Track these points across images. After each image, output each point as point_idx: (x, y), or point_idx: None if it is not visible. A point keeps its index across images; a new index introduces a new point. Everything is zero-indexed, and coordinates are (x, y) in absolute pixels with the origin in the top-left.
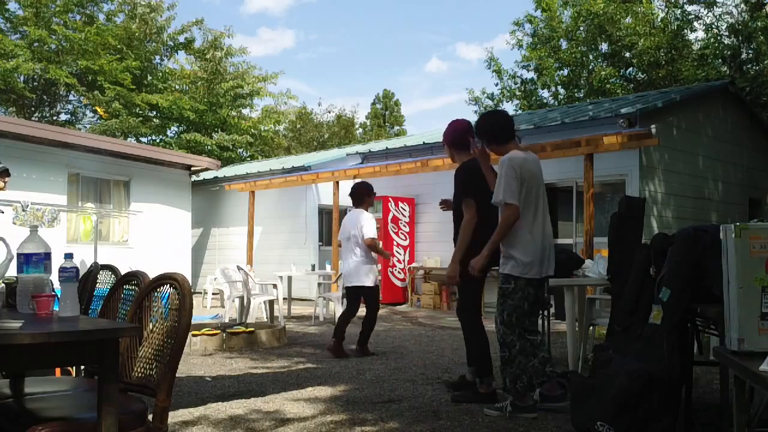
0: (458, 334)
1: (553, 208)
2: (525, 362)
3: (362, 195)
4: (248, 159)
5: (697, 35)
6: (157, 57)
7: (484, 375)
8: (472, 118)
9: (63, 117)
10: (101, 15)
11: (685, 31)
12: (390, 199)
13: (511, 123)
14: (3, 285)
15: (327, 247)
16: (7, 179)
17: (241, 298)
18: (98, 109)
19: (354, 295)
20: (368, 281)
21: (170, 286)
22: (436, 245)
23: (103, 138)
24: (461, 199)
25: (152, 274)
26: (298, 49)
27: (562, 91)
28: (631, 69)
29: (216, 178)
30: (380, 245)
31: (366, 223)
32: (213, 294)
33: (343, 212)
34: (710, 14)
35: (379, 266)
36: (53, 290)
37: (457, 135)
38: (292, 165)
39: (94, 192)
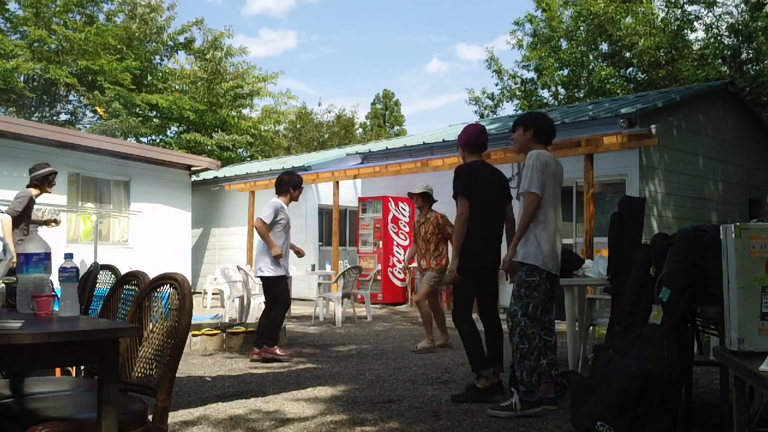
0: (458, 335)
1: None
2: (538, 358)
3: (283, 186)
4: (248, 159)
5: (697, 35)
6: (157, 57)
7: (481, 369)
8: (473, 119)
9: (63, 117)
10: (101, 15)
11: (685, 31)
12: (390, 199)
13: (554, 134)
14: (3, 285)
15: (327, 247)
16: (54, 184)
17: (241, 298)
18: (98, 109)
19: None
20: (266, 271)
21: (170, 286)
22: None
23: (103, 138)
24: (455, 196)
25: (152, 274)
26: (299, 50)
27: (562, 91)
28: (631, 69)
29: (216, 178)
30: (278, 240)
31: (264, 208)
32: (213, 294)
33: (343, 212)
34: (710, 14)
35: (379, 266)
36: (53, 290)
37: (471, 137)
38: (292, 165)
39: (94, 192)
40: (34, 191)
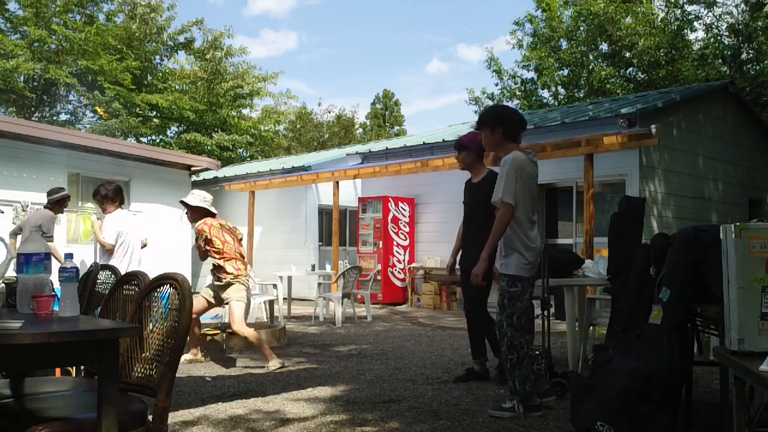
0: (458, 334)
1: (553, 208)
2: (531, 364)
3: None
4: (248, 159)
5: (697, 35)
6: (157, 57)
7: (480, 356)
8: (473, 119)
9: (63, 117)
10: (101, 15)
11: (685, 31)
12: (390, 199)
13: (524, 126)
14: (3, 285)
15: (327, 247)
16: (66, 206)
17: None
18: (98, 109)
19: None
20: None
21: (170, 286)
22: (436, 245)
23: (103, 138)
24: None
25: (152, 274)
26: (300, 51)
27: (562, 91)
28: (631, 69)
29: (216, 178)
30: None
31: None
32: None
33: (343, 212)
34: (710, 14)
35: (379, 266)
36: (53, 290)
37: (481, 144)
38: (292, 165)
39: None
40: (50, 213)
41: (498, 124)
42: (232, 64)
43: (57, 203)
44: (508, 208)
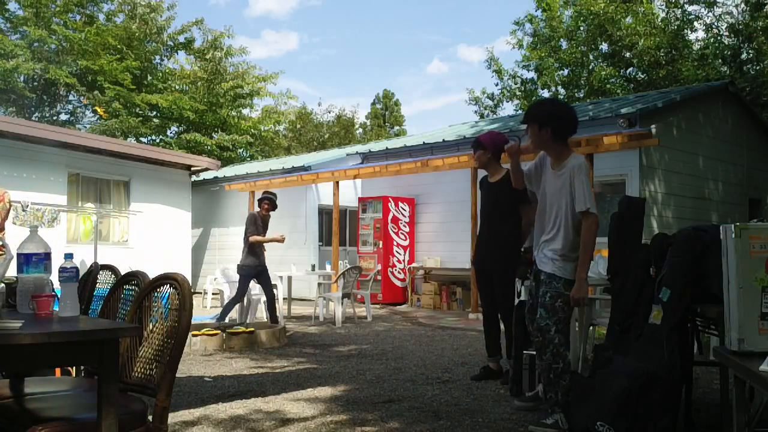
0: (458, 334)
1: None
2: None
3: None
4: (248, 159)
5: (697, 35)
6: (157, 57)
7: (496, 353)
8: (473, 119)
9: (63, 117)
10: (101, 15)
11: (686, 31)
12: (390, 199)
13: (575, 128)
14: (3, 285)
15: (327, 247)
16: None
17: None
18: (98, 109)
19: None
20: None
21: (170, 286)
22: (436, 245)
23: (103, 138)
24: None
25: (152, 274)
26: (301, 51)
27: (562, 91)
28: (631, 69)
29: (216, 178)
30: None
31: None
32: (213, 294)
33: (343, 212)
34: (710, 14)
35: (379, 266)
36: (53, 290)
37: (499, 145)
38: (292, 165)
39: (94, 192)
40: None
41: (547, 124)
42: (232, 64)
43: (260, 203)
44: (595, 218)
